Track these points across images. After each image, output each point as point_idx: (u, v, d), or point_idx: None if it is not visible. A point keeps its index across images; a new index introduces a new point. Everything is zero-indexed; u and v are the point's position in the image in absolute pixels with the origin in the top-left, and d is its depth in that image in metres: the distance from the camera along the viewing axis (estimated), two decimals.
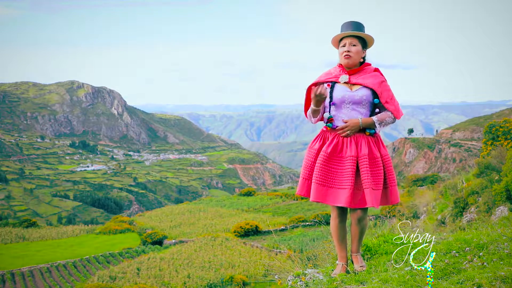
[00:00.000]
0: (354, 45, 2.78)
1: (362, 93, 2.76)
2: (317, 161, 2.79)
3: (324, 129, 2.87)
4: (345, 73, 2.82)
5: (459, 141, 72.50)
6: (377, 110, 2.81)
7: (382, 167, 2.75)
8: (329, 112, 2.85)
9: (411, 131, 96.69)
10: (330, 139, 2.81)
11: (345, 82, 2.80)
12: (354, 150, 2.74)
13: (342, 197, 2.70)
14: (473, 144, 67.99)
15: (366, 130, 2.77)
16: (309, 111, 2.87)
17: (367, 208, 2.85)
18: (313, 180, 2.78)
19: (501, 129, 14.49)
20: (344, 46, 2.81)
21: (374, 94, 2.79)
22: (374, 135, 2.80)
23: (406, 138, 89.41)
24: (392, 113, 2.79)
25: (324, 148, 2.79)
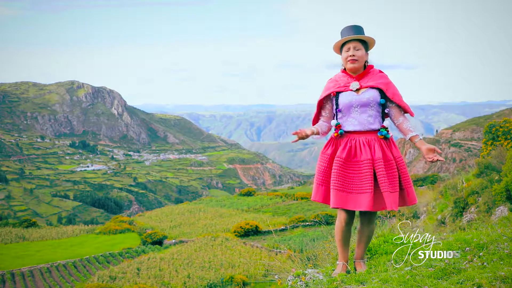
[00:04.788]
0: (358, 49, 2.78)
1: (369, 95, 2.76)
2: (333, 167, 2.78)
3: (334, 136, 2.87)
4: (352, 79, 2.82)
5: (459, 141, 72.45)
6: (387, 110, 2.82)
7: (396, 169, 2.75)
8: (336, 119, 2.86)
9: None
10: (342, 144, 2.81)
11: (356, 89, 2.81)
12: (369, 153, 2.73)
13: (364, 202, 2.69)
14: (473, 144, 67.95)
15: (380, 134, 2.78)
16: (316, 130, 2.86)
17: (376, 212, 2.86)
18: (331, 187, 2.76)
19: (501, 129, 14.47)
20: (348, 51, 2.80)
21: (381, 95, 2.79)
22: (388, 138, 2.81)
23: None
24: (407, 110, 2.81)
25: (338, 153, 2.78)
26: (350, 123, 2.81)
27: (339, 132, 2.82)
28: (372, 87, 2.78)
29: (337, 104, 2.83)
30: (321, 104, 2.91)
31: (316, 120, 2.96)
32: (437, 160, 2.64)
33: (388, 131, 2.79)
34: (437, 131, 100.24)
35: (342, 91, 2.82)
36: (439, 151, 2.69)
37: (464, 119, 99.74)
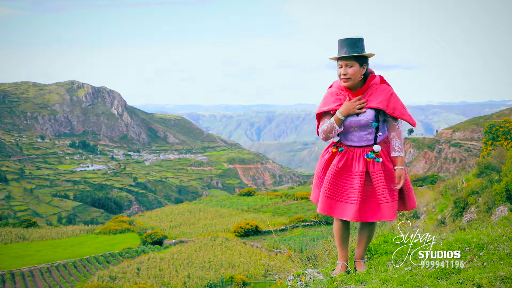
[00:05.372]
0: (350, 66, 2.70)
1: (368, 117, 2.73)
2: (327, 174, 2.81)
3: (330, 151, 2.86)
4: (352, 96, 2.76)
5: (459, 141, 72.41)
6: (380, 133, 2.78)
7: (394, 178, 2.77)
8: (337, 135, 2.85)
9: (411, 131, 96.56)
10: (341, 153, 2.82)
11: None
12: (363, 165, 2.74)
13: (349, 212, 2.72)
14: (473, 144, 67.90)
15: (367, 156, 2.74)
16: (331, 126, 2.76)
17: None
18: (321, 193, 2.80)
19: (501, 129, 14.49)
20: (340, 67, 2.73)
21: (378, 114, 2.75)
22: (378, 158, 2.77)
23: (406, 138, 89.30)
24: (409, 122, 2.81)
25: (335, 162, 2.80)
26: (348, 139, 2.81)
27: (339, 149, 2.83)
28: (371, 108, 2.74)
29: None
30: (320, 117, 2.87)
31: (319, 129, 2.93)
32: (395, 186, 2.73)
33: (376, 156, 2.74)
34: (437, 131, 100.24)
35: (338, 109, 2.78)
36: (401, 183, 2.69)
37: (464, 119, 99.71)
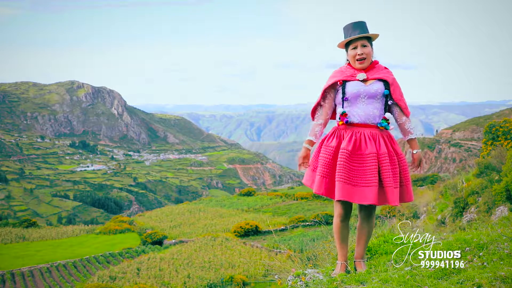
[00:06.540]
0: (365, 46, 2.78)
1: (377, 87, 2.78)
2: (339, 159, 2.74)
3: (337, 125, 2.86)
4: (358, 71, 2.84)
5: (459, 141, 72.40)
6: (390, 102, 2.83)
7: (398, 165, 2.77)
8: (343, 107, 2.83)
9: None
10: (347, 136, 2.78)
11: (363, 80, 2.81)
12: (374, 147, 2.73)
13: (370, 195, 2.67)
14: (473, 144, 67.90)
15: (379, 125, 2.78)
16: (312, 127, 2.92)
17: (375, 206, 2.86)
18: (337, 179, 2.72)
19: (501, 129, 14.48)
20: (355, 48, 2.79)
21: (386, 87, 2.81)
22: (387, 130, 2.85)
23: None
24: (403, 111, 2.87)
25: (344, 146, 2.75)
26: (355, 114, 2.79)
27: (345, 121, 2.80)
28: (379, 79, 2.80)
29: (343, 93, 2.81)
30: (324, 94, 2.89)
31: (314, 110, 2.94)
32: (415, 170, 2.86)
33: (388, 123, 2.80)
34: (437, 131, 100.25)
35: (349, 80, 2.81)
36: (423, 165, 2.87)
37: (464, 119, 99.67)
